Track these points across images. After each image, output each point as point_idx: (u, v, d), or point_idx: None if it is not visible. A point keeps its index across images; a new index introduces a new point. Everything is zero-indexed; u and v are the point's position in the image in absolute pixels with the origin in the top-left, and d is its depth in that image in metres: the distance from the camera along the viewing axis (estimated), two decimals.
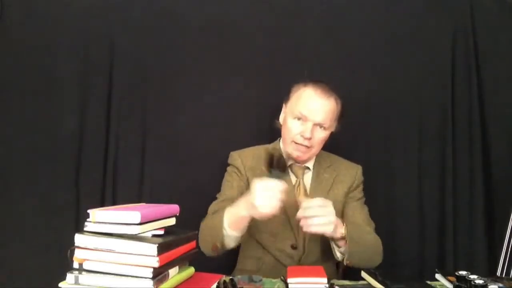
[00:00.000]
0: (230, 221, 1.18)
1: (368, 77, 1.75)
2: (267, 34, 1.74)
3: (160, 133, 1.71)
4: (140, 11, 1.71)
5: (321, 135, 1.34)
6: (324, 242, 1.38)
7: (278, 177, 1.12)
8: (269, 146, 1.47)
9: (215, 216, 1.26)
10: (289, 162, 1.41)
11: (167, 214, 1.04)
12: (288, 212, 1.33)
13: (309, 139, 1.31)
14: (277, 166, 1.13)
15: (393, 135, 1.76)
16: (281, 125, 1.43)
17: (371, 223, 1.42)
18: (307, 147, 1.33)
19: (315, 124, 1.32)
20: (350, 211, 1.41)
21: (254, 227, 1.35)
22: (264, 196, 1.08)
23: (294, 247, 1.36)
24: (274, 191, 1.08)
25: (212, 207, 1.37)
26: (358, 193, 1.46)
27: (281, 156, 1.17)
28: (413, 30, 1.76)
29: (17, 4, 1.66)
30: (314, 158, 1.44)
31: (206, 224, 1.28)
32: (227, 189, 1.41)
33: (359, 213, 1.41)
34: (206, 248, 1.24)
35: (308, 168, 1.43)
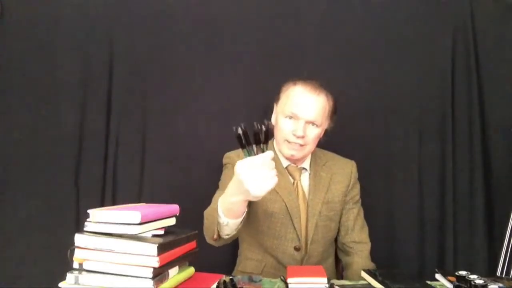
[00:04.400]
0: (225, 209, 1.08)
1: (368, 77, 1.75)
2: (267, 34, 1.74)
3: (160, 133, 1.71)
4: (139, 11, 1.72)
5: (314, 133, 1.32)
6: (325, 242, 1.39)
7: (253, 153, 0.95)
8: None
9: (212, 206, 1.20)
10: (286, 164, 1.39)
11: (167, 214, 1.04)
12: (291, 214, 1.33)
13: (302, 137, 1.29)
14: (263, 140, 0.94)
15: (393, 135, 1.76)
16: (273, 126, 1.40)
17: (365, 228, 1.44)
18: (301, 145, 1.31)
19: (307, 122, 1.29)
20: (351, 215, 1.42)
21: (255, 230, 1.35)
22: (255, 177, 0.93)
23: (297, 249, 1.35)
24: (264, 168, 0.93)
25: (214, 196, 1.30)
26: (356, 193, 1.45)
27: (269, 128, 0.94)
28: (413, 30, 1.77)
29: (17, 4, 1.67)
30: (310, 157, 1.43)
31: (206, 213, 1.22)
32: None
33: (355, 219, 1.42)
34: (208, 237, 1.18)
35: (304, 168, 1.41)
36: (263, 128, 0.93)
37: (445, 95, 1.75)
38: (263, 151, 0.94)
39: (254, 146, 0.94)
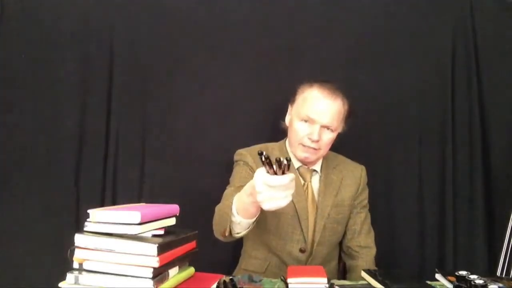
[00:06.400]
0: (239, 208, 1.09)
1: (368, 77, 1.75)
2: (268, 33, 1.74)
3: (160, 133, 1.71)
4: (140, 10, 1.71)
5: (329, 137, 1.33)
6: (330, 244, 1.39)
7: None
8: (276, 144, 1.45)
9: (225, 202, 1.18)
10: (297, 165, 1.39)
11: (167, 214, 1.04)
12: (299, 216, 1.33)
13: (317, 141, 1.30)
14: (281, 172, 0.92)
15: (393, 135, 1.76)
16: (287, 126, 1.42)
17: (371, 233, 1.44)
18: (315, 149, 1.32)
19: (323, 126, 1.30)
20: (358, 219, 1.43)
21: (262, 229, 1.34)
22: (272, 196, 0.91)
23: (302, 251, 1.35)
24: (283, 189, 0.90)
25: (226, 192, 1.30)
26: (364, 198, 1.46)
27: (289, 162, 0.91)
28: (413, 30, 1.76)
29: (17, 4, 1.66)
30: (321, 160, 1.43)
31: (218, 209, 1.22)
32: (242, 178, 1.33)
33: (362, 223, 1.42)
34: (217, 232, 1.19)
35: (315, 170, 1.41)
36: (285, 161, 0.88)
37: (445, 96, 1.74)
38: (283, 173, 0.89)
39: (276, 164, 0.89)
